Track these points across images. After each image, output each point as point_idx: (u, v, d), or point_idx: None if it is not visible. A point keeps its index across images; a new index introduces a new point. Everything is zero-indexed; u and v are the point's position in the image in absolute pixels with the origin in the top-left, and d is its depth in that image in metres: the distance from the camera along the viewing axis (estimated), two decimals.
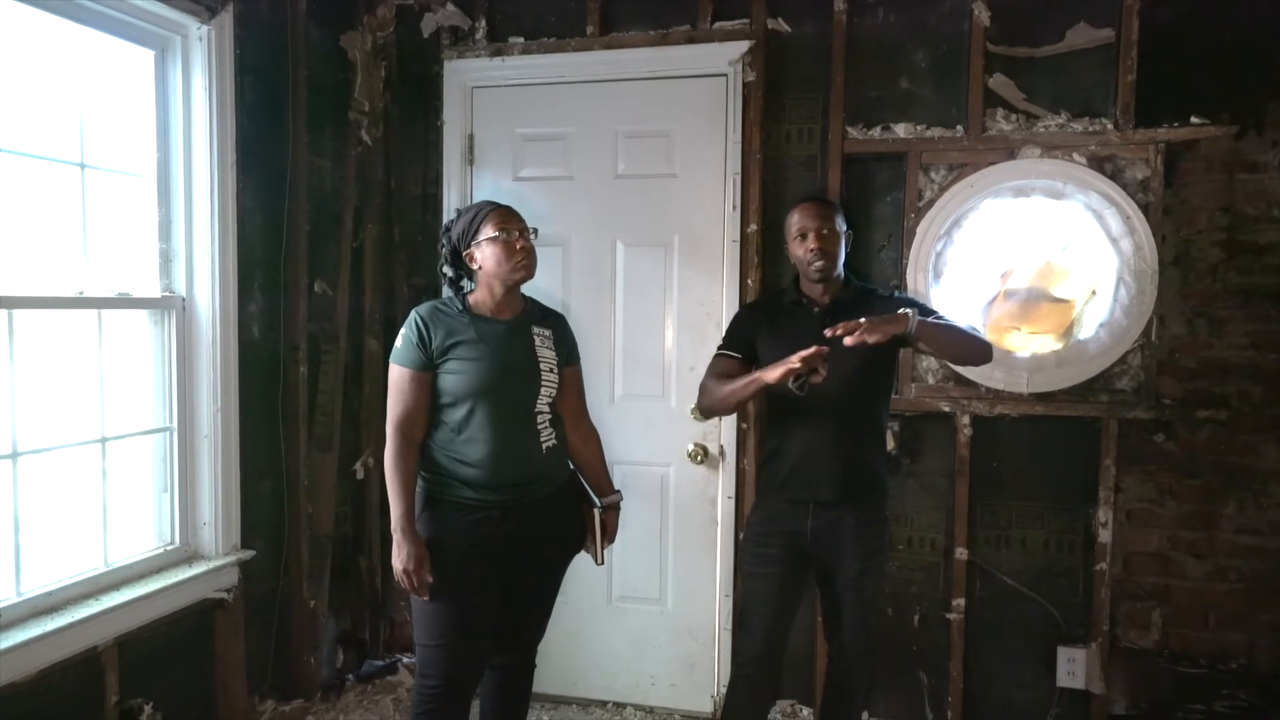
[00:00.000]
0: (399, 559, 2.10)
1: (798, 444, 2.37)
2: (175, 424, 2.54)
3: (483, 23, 3.12)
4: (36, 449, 2.16)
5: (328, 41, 3.05)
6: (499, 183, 3.16)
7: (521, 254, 2.20)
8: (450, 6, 3.12)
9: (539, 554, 2.28)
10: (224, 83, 2.52)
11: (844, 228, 2.37)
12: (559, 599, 3.10)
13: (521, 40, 3.09)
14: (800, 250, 2.34)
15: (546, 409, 2.24)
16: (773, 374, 2.14)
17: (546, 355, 2.25)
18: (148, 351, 2.50)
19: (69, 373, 2.28)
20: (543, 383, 2.22)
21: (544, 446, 2.22)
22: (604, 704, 3.20)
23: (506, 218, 2.23)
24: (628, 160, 3.06)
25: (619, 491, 2.44)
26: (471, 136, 3.17)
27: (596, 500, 2.37)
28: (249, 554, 2.68)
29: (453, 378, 2.14)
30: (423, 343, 2.15)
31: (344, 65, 3.12)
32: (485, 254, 2.20)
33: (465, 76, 3.14)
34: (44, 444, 2.19)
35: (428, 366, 2.15)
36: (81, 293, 2.26)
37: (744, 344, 2.44)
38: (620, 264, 3.10)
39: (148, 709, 2.39)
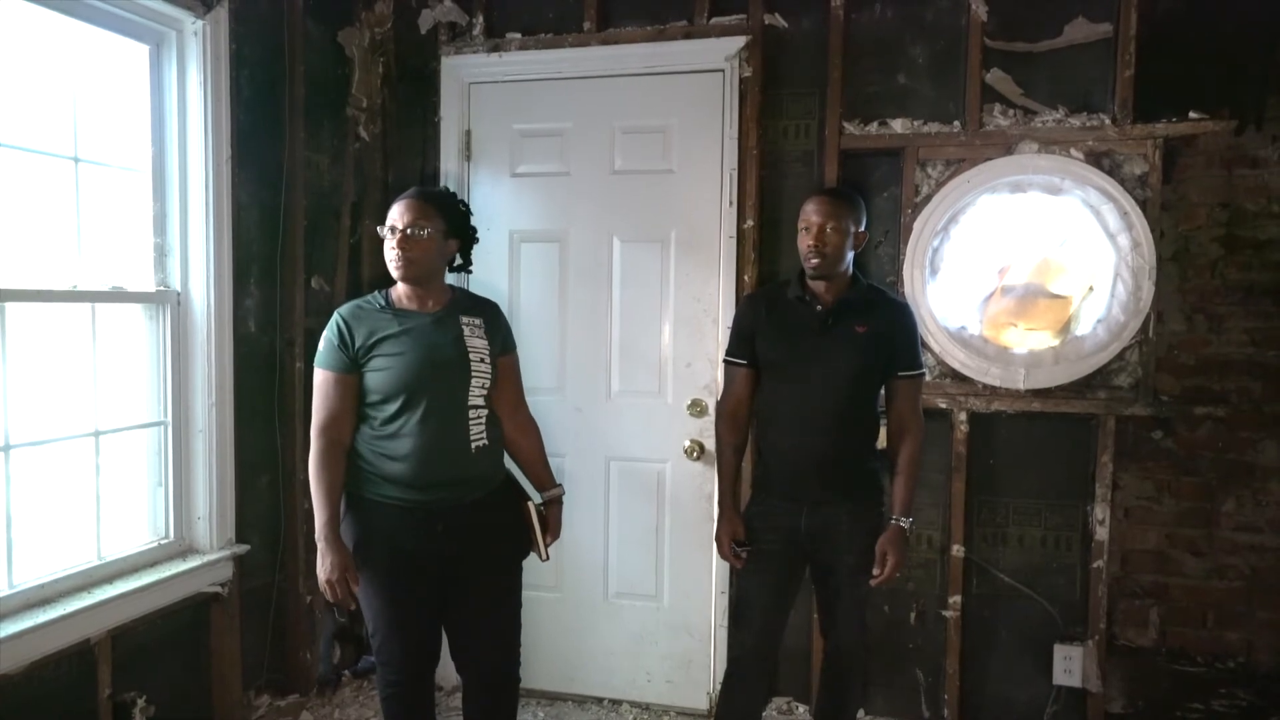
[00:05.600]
0: (322, 569, 2.07)
1: (790, 441, 2.35)
2: (170, 418, 2.54)
3: (480, 19, 3.12)
4: (29, 442, 2.16)
5: (325, 37, 3.05)
6: (496, 178, 3.16)
7: (394, 253, 2.10)
8: (448, 2, 3.12)
9: (478, 558, 2.20)
10: (219, 78, 2.52)
11: (856, 226, 2.32)
12: (555, 595, 3.17)
13: (519, 36, 3.09)
14: (801, 243, 2.31)
15: (480, 403, 2.18)
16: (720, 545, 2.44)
17: (477, 345, 2.18)
18: (143, 345, 2.50)
19: (64, 366, 2.28)
20: (474, 374, 2.15)
21: (474, 446, 2.15)
22: (600, 700, 3.20)
23: (400, 212, 2.13)
24: (625, 156, 3.05)
25: (560, 485, 2.40)
26: (469, 132, 3.17)
27: (534, 495, 2.33)
28: (244, 548, 2.68)
29: (379, 375, 2.10)
30: (344, 344, 2.10)
31: (342, 61, 3.12)
32: (385, 246, 2.16)
33: (463, 72, 3.14)
34: (37, 437, 2.19)
35: (351, 368, 2.11)
36: (75, 286, 2.26)
37: (748, 344, 2.42)
38: (617, 260, 3.09)
39: (140, 702, 2.39)
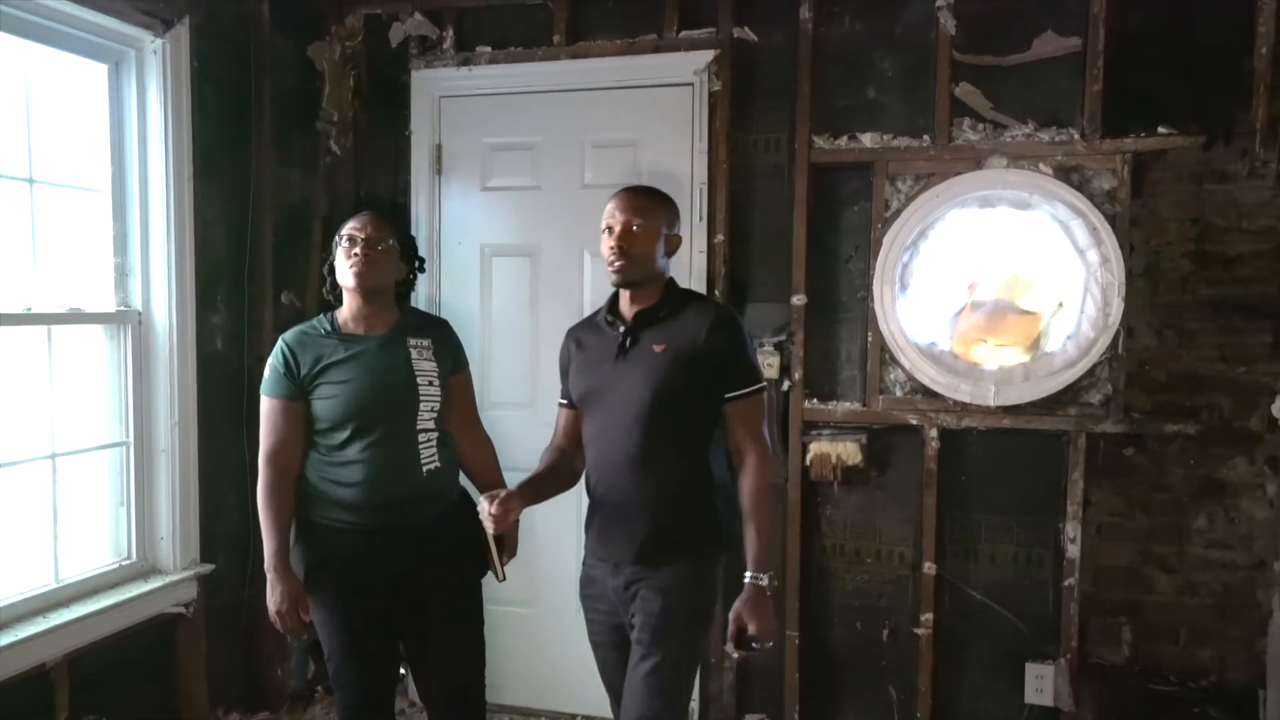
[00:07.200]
0: (272, 599, 2.05)
1: (596, 491, 2.02)
2: (132, 438, 2.53)
3: (451, 32, 3.10)
4: None
5: (294, 52, 3.04)
6: (467, 192, 3.15)
7: (353, 259, 2.07)
8: (418, 16, 3.10)
9: (433, 577, 2.16)
10: (180, 95, 2.51)
11: (668, 227, 1.99)
12: (528, 611, 3.15)
13: (489, 49, 3.07)
14: (603, 247, 1.96)
15: (431, 425, 2.15)
16: None
17: (425, 368, 2.15)
18: (103, 366, 2.49)
19: (19, 388, 2.27)
20: (422, 398, 2.13)
21: (425, 469, 2.13)
22: (573, 716, 3.18)
23: (359, 223, 2.12)
24: (595, 170, 3.03)
25: None
26: (440, 146, 3.15)
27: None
28: (208, 568, 2.67)
29: (326, 403, 2.07)
30: (290, 372, 2.08)
31: (312, 75, 3.11)
32: (336, 261, 2.13)
33: (433, 86, 3.13)
34: None
35: (297, 396, 2.08)
36: (29, 309, 2.24)
37: (565, 381, 2.14)
38: (588, 274, 3.07)
39: None
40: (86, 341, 2.44)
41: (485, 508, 1.86)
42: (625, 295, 2.01)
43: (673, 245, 2.02)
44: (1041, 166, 2.64)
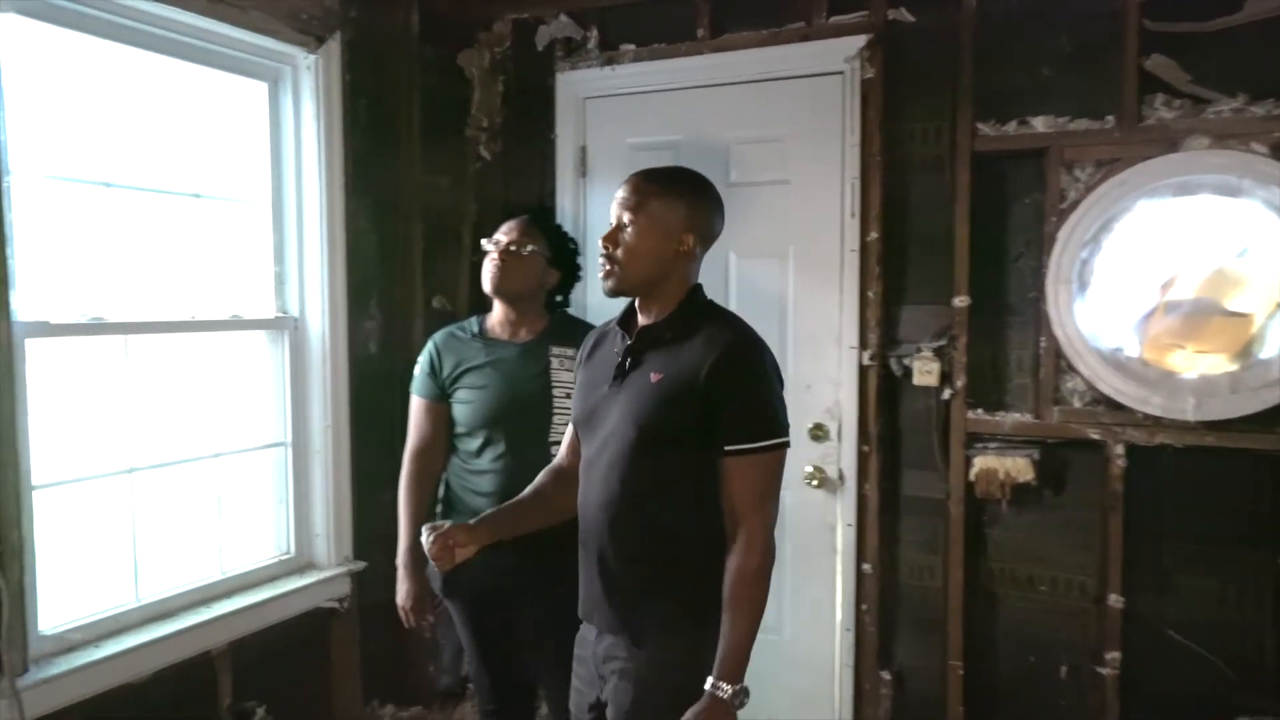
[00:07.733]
0: (399, 595, 2.13)
1: (581, 527, 1.71)
2: (290, 439, 2.64)
3: (595, 32, 3.07)
4: (152, 465, 2.29)
5: (444, 60, 3.10)
6: (611, 194, 3.06)
7: (490, 266, 2.12)
8: (564, 18, 3.09)
9: (562, 592, 2.04)
10: (332, 108, 2.60)
11: (687, 226, 1.63)
12: None
13: (633, 48, 3.01)
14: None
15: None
16: None
17: (564, 379, 2.11)
18: (267, 370, 2.62)
19: (189, 392, 2.41)
20: (556, 410, 2.09)
21: None
22: None
23: (505, 228, 2.17)
24: (740, 168, 2.91)
25: None
26: (584, 148, 3.13)
27: None
28: (361, 565, 2.75)
29: (462, 408, 2.09)
30: (434, 372, 2.13)
31: (461, 82, 3.16)
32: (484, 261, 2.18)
33: (577, 88, 3.11)
34: (159, 460, 2.31)
35: (440, 397, 2.12)
36: (193, 317, 2.38)
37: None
38: (733, 276, 2.95)
39: (260, 711, 2.50)
40: (250, 346, 2.57)
41: (425, 541, 1.61)
42: (638, 306, 1.68)
43: (687, 247, 1.62)
44: (1255, 145, 2.27)
